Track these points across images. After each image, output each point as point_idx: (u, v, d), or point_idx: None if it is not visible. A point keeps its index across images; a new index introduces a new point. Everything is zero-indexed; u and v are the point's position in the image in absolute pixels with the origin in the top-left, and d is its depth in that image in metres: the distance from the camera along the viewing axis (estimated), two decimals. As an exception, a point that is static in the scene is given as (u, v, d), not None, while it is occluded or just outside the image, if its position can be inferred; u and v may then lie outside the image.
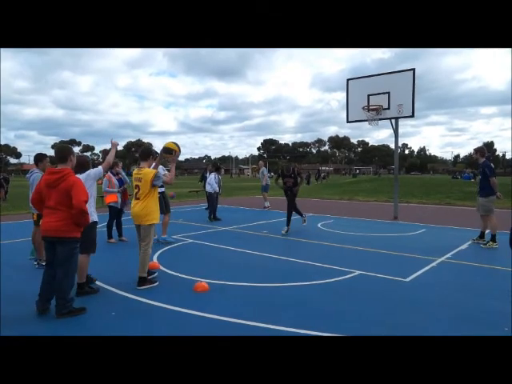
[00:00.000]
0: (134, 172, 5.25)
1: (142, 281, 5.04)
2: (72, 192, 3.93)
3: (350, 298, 4.70)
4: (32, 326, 3.84)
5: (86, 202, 4.05)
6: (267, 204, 14.97)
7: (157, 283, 5.17)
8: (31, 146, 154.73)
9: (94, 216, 4.83)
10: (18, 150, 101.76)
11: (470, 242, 7.94)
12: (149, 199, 5.09)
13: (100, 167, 5.02)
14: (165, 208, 8.07)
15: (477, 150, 7.84)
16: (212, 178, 11.26)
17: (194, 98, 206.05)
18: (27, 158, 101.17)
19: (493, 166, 7.70)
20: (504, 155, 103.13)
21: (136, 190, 5.14)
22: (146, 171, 5.11)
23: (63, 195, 3.96)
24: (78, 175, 4.64)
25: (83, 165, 4.91)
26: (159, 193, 7.84)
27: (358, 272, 5.74)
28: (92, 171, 4.92)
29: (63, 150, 4.25)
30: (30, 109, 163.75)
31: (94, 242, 4.90)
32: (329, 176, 50.27)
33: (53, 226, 4.00)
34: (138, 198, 5.11)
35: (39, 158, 6.06)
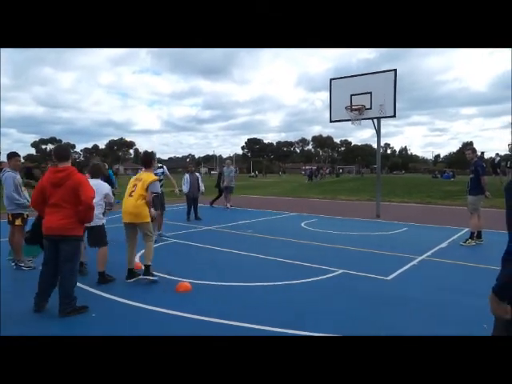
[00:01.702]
0: (138, 174, 5.51)
1: (147, 269, 5.16)
2: (80, 188, 4.02)
3: (333, 297, 4.73)
4: (14, 326, 3.74)
5: (93, 198, 4.20)
6: (229, 205, 14.36)
7: (156, 278, 5.23)
8: (10, 143, 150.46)
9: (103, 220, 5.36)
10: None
11: (472, 244, 7.65)
12: (141, 200, 5.17)
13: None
14: (159, 206, 7.93)
15: (473, 150, 7.96)
16: (183, 178, 11.36)
17: (179, 96, 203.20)
18: (5, 157, 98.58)
19: (484, 165, 7.87)
20: (482, 154, 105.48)
21: (132, 189, 5.25)
22: (147, 175, 5.32)
23: (70, 193, 4.02)
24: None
25: (99, 171, 5.47)
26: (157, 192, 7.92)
27: (340, 271, 5.78)
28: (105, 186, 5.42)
29: (64, 148, 4.34)
30: (9, 106, 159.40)
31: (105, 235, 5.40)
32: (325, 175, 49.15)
33: (57, 225, 4.03)
34: (131, 196, 5.22)
35: (9, 156, 6.05)
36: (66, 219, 4.02)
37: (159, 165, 8.30)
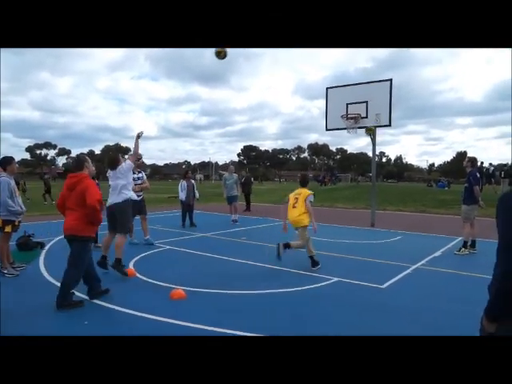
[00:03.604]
0: (297, 190, 6.80)
1: (313, 260, 6.45)
2: (86, 192, 4.42)
3: (328, 305, 4.72)
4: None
5: (99, 201, 4.55)
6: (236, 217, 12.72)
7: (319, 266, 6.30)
8: (6, 148, 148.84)
9: (134, 195, 6.25)
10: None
11: (465, 252, 7.72)
12: (303, 209, 6.45)
13: (128, 161, 6.03)
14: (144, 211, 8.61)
15: (469, 159, 7.91)
16: (180, 185, 11.32)
17: (176, 102, 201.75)
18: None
19: (479, 175, 7.84)
20: (481, 164, 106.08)
21: (294, 202, 6.59)
22: (305, 191, 6.67)
23: (79, 196, 4.46)
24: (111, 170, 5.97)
25: (115, 161, 6.00)
26: (138, 200, 8.11)
27: (335, 279, 5.78)
28: (123, 165, 5.92)
29: (79, 160, 4.83)
30: (6, 110, 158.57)
31: (130, 221, 6.16)
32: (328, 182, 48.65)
33: (69, 225, 4.51)
34: (294, 207, 6.55)
35: (7, 161, 5.91)
36: (76, 220, 4.46)
37: (138, 170, 8.36)
